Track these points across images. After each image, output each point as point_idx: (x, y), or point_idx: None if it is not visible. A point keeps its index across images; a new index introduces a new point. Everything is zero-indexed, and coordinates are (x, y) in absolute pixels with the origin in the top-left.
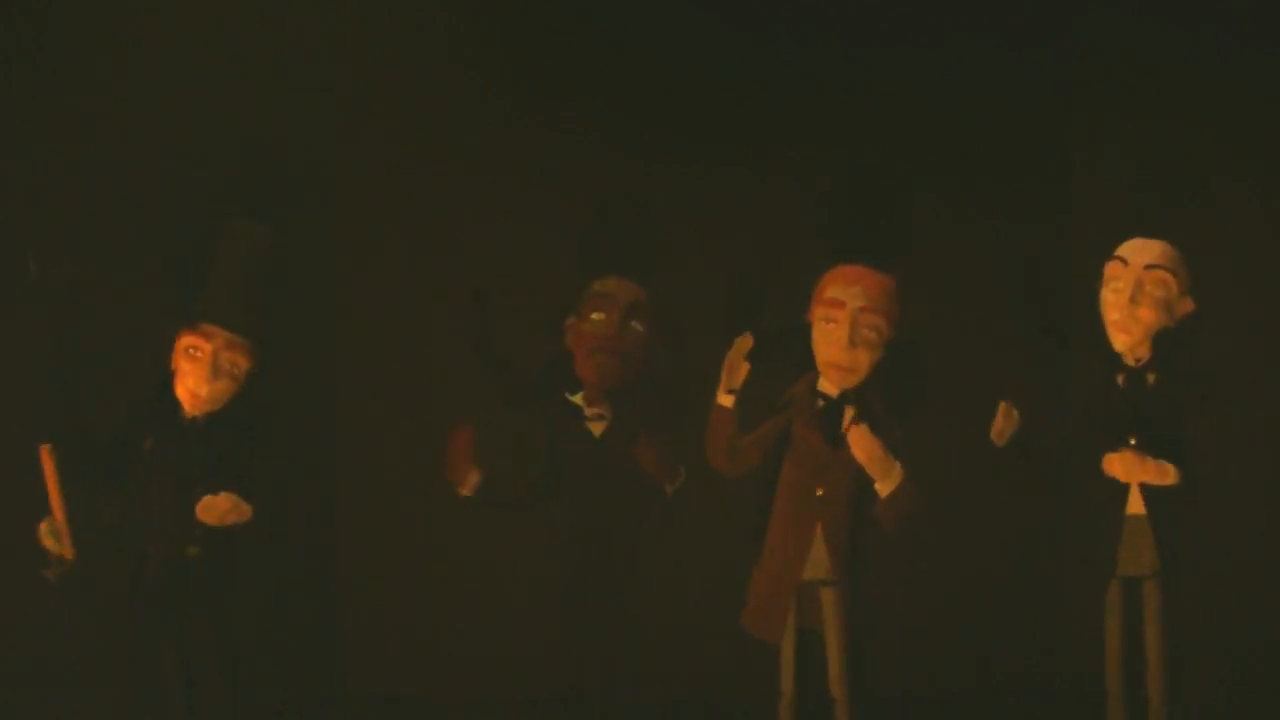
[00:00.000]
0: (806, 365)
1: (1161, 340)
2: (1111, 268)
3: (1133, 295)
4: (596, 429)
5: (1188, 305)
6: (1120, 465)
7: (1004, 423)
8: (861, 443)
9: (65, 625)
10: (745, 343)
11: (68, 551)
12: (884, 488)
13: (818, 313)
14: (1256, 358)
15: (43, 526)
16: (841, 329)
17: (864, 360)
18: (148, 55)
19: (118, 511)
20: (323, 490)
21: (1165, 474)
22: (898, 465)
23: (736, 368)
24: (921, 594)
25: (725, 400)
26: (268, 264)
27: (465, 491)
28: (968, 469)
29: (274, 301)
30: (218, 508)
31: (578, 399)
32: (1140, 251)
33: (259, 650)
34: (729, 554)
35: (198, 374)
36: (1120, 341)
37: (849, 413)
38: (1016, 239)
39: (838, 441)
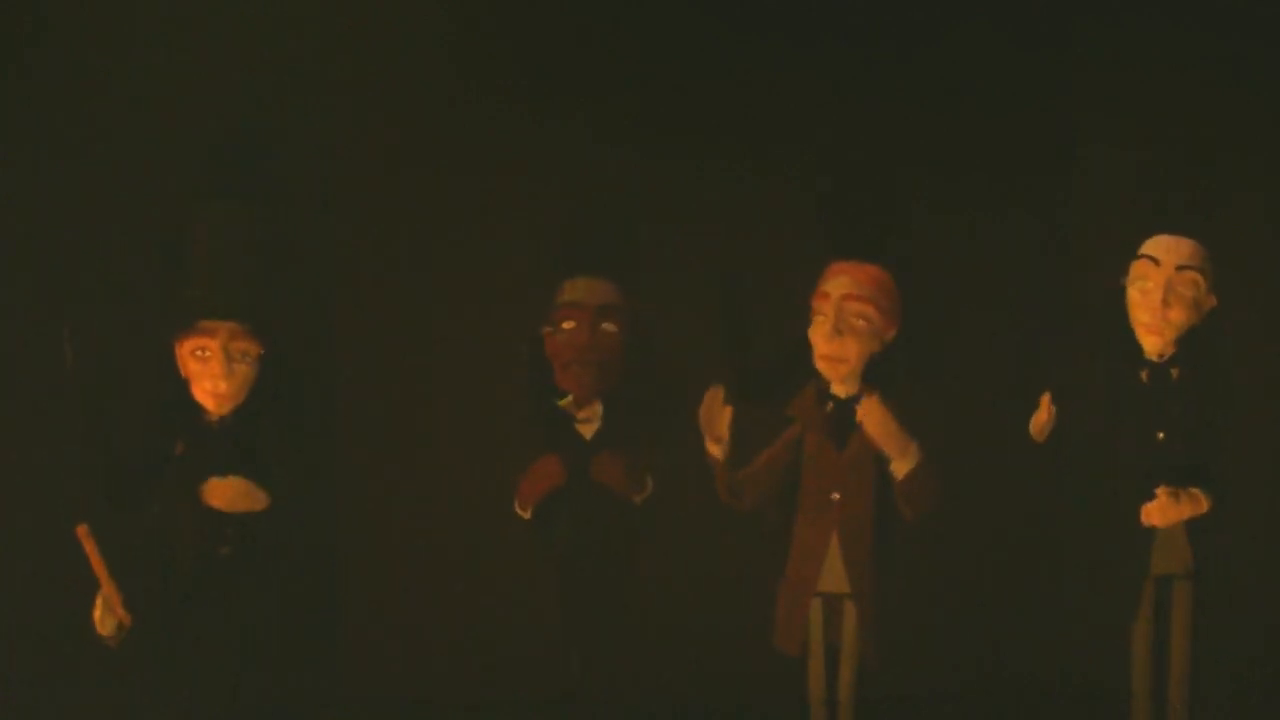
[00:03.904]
0: (809, 373)
1: (1185, 335)
2: (1140, 266)
3: (1164, 297)
4: (587, 431)
5: (1212, 301)
6: (1158, 513)
7: (1045, 416)
8: (873, 415)
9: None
10: (715, 395)
11: (126, 619)
12: (900, 467)
13: (813, 308)
14: (1267, 355)
15: (96, 614)
16: (827, 319)
17: (851, 348)
18: (147, 55)
19: (153, 521)
20: (323, 488)
21: (1199, 503)
22: (914, 444)
23: (713, 419)
24: (944, 598)
25: (713, 449)
26: (250, 241)
27: (525, 515)
28: (993, 468)
29: (266, 279)
30: (225, 492)
31: (565, 403)
32: (1171, 251)
33: (261, 650)
34: (723, 555)
35: (213, 372)
36: (1150, 344)
37: (867, 396)
38: (1016, 239)
39: (845, 443)
